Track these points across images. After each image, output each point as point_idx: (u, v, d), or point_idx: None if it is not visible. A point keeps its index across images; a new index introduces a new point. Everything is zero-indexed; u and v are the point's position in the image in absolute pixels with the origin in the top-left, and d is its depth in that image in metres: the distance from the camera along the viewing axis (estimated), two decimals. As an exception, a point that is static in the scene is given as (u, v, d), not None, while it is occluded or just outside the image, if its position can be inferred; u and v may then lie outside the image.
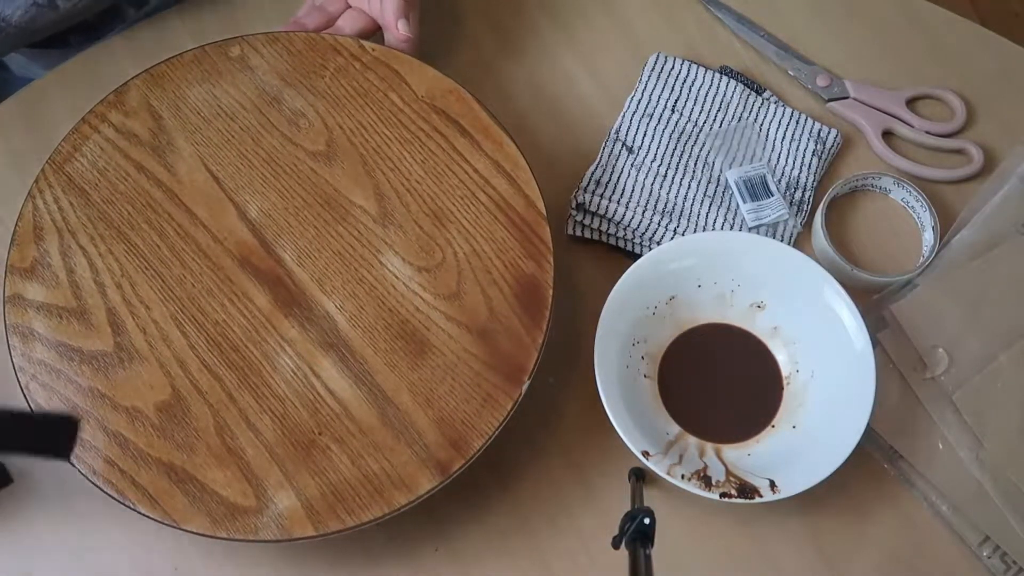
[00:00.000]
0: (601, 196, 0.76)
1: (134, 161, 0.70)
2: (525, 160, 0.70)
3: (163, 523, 0.61)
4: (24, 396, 0.64)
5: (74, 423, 0.58)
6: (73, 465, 0.62)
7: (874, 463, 0.71)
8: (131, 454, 0.63)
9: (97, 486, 0.62)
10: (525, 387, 0.64)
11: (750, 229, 0.76)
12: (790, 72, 0.83)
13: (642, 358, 0.72)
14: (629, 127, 0.79)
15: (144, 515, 0.62)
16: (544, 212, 0.69)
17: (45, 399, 0.64)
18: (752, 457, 0.69)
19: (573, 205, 0.76)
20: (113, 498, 0.62)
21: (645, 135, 0.78)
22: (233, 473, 0.63)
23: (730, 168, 0.77)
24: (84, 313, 0.66)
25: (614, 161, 0.77)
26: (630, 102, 0.80)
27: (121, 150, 0.71)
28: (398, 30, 0.73)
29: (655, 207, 0.76)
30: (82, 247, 0.68)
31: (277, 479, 0.63)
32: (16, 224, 0.69)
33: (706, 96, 0.80)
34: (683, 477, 0.66)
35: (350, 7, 0.77)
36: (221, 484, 0.62)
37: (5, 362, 0.65)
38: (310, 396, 0.65)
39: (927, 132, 0.81)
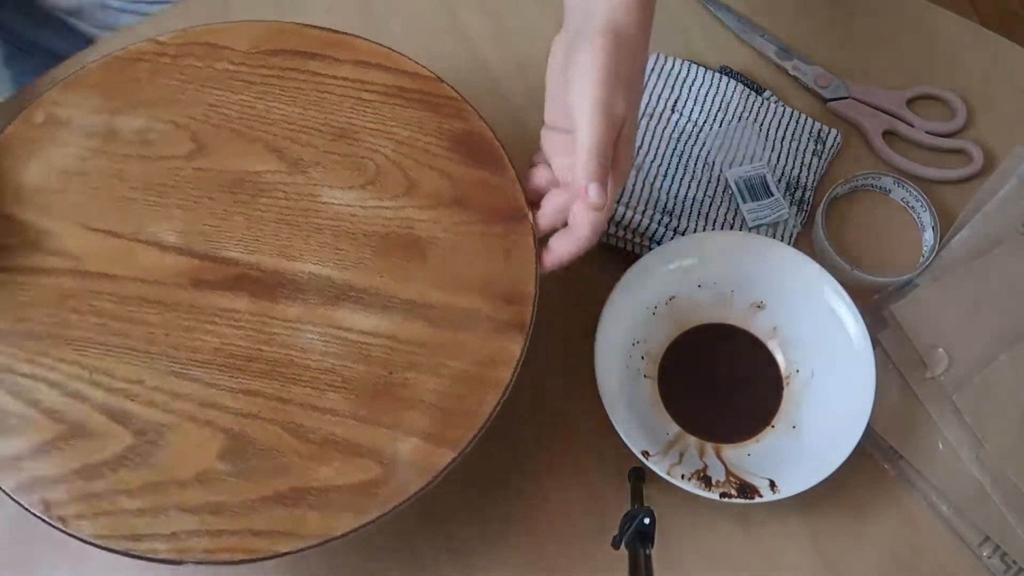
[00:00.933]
0: (601, 196, 0.76)
1: (17, 268, 0.63)
2: (385, 48, 0.70)
3: (316, 546, 0.57)
4: (88, 542, 0.57)
5: None
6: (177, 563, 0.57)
7: (874, 463, 0.71)
8: (232, 512, 0.57)
9: (224, 563, 0.57)
10: (532, 218, 0.64)
11: (750, 229, 0.76)
12: (790, 72, 0.83)
13: (642, 358, 0.72)
14: (629, 127, 0.79)
15: (298, 552, 0.57)
16: (435, 73, 0.68)
17: (110, 528, 0.57)
18: (752, 457, 0.69)
19: (573, 205, 0.76)
20: (255, 561, 0.57)
21: (645, 135, 0.78)
22: (340, 459, 0.59)
23: (730, 168, 0.77)
24: (80, 428, 0.59)
25: (614, 161, 0.77)
26: (630, 102, 0.80)
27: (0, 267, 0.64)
28: (588, 195, 0.59)
29: (655, 207, 0.76)
30: (26, 375, 0.60)
31: (383, 435, 0.59)
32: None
33: (706, 96, 0.80)
34: (683, 477, 0.66)
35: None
36: (337, 475, 0.59)
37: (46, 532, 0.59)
38: (353, 349, 0.62)
39: (927, 132, 0.81)
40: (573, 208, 0.62)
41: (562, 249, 0.63)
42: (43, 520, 0.57)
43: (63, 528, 0.57)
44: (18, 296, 0.62)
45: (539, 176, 0.66)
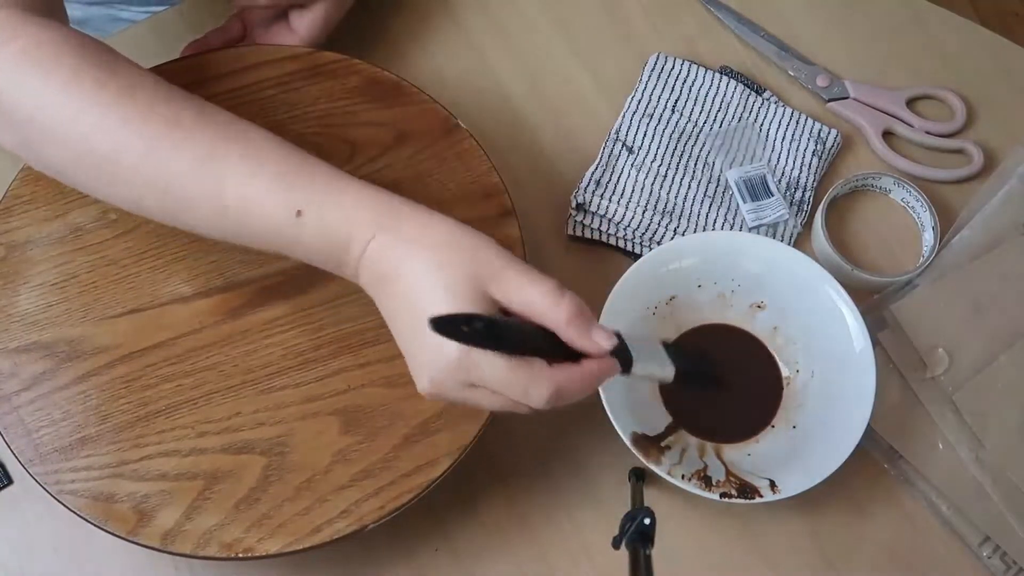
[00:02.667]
0: (601, 196, 0.76)
1: (72, 381, 0.65)
2: (245, 47, 0.74)
3: (460, 458, 0.62)
4: (279, 555, 0.61)
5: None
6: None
7: (874, 463, 0.71)
8: (379, 469, 0.63)
9: (399, 509, 0.62)
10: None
11: (750, 229, 0.76)
12: (790, 72, 0.83)
13: (642, 358, 0.72)
14: (629, 127, 0.79)
15: (448, 471, 0.62)
16: (307, 48, 0.73)
17: (291, 534, 0.62)
18: (752, 457, 0.69)
19: (573, 205, 0.76)
20: (423, 494, 0.62)
21: (645, 135, 0.78)
22: None
23: (730, 168, 0.77)
24: (215, 474, 0.63)
25: (614, 161, 0.77)
26: (630, 102, 0.80)
27: (65, 391, 0.65)
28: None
29: (655, 207, 0.76)
30: (141, 459, 0.63)
31: None
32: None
33: (706, 96, 0.80)
34: (683, 477, 0.66)
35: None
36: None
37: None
38: None
39: (927, 132, 0.81)
40: None
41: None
42: (232, 560, 0.61)
43: (252, 556, 0.61)
44: (88, 403, 0.64)
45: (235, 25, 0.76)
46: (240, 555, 0.61)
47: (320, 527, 0.62)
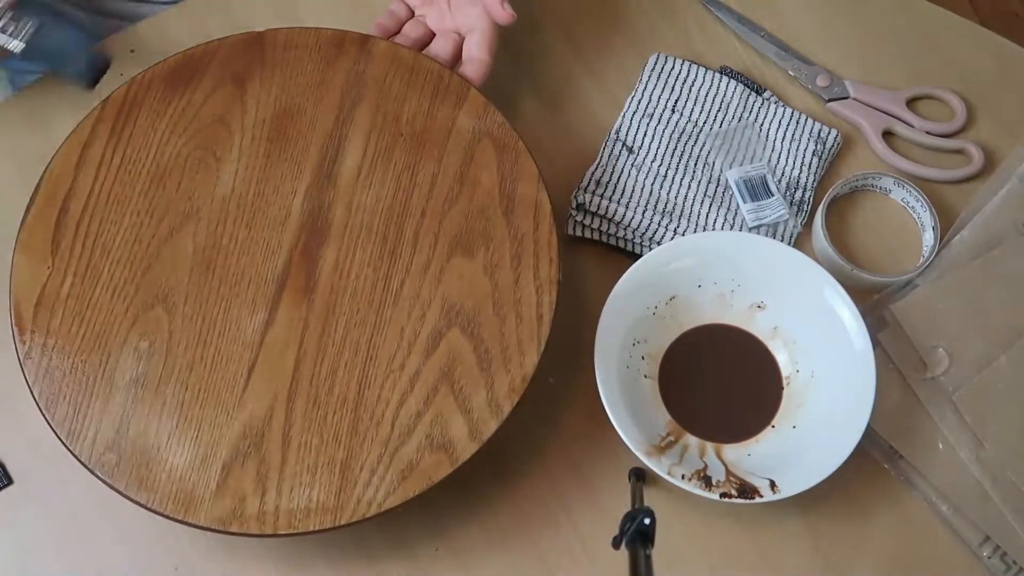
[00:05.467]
0: (601, 196, 0.76)
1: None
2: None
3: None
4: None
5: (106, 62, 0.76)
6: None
7: (874, 463, 0.71)
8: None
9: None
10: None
11: (750, 229, 0.76)
12: (790, 72, 0.83)
13: (642, 358, 0.72)
14: (629, 127, 0.79)
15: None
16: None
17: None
18: (752, 457, 0.69)
19: (573, 205, 0.76)
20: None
21: (645, 135, 0.78)
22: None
23: (730, 168, 0.77)
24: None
25: (614, 161, 0.77)
26: (630, 102, 0.80)
27: None
28: (503, 9, 0.72)
29: (655, 207, 0.76)
30: None
31: None
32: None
33: (706, 96, 0.80)
34: (683, 477, 0.66)
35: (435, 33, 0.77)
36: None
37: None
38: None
39: (927, 132, 0.81)
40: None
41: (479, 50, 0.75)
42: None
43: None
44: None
45: (388, 20, 0.78)
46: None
47: None
